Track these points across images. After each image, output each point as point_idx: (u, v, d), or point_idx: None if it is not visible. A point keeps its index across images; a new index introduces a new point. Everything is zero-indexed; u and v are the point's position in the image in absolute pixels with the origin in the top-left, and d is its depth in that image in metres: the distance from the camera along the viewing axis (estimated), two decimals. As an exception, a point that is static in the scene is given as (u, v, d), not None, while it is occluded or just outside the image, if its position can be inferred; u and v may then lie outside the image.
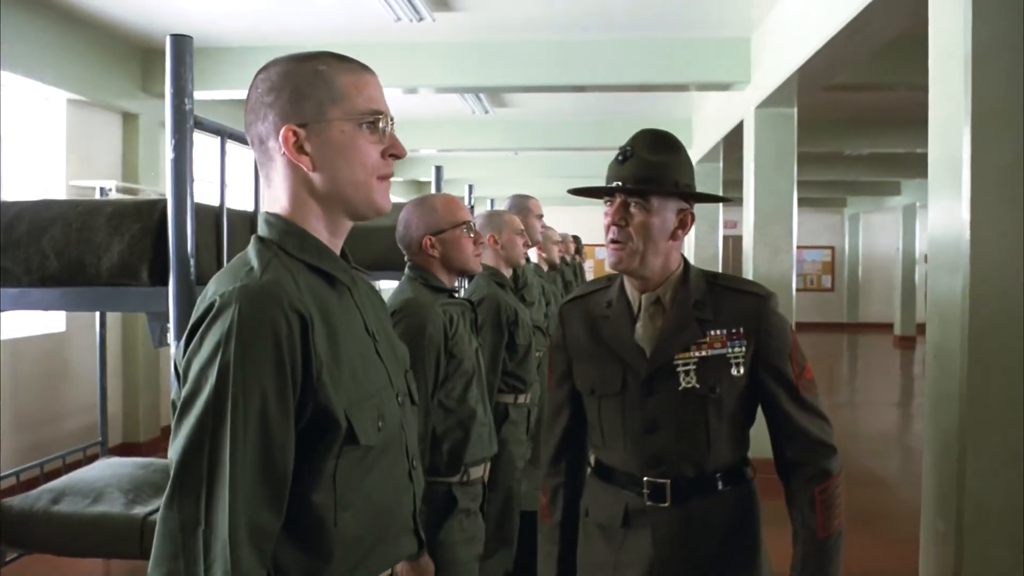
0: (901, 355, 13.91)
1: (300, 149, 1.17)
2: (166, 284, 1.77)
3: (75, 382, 5.86)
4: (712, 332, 1.70)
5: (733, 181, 7.48)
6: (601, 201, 1.77)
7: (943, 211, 2.54)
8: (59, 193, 5.81)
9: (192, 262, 1.72)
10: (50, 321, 5.75)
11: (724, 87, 6.20)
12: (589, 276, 15.25)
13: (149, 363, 6.58)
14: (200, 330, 1.08)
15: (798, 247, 5.82)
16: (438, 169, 3.91)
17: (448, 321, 2.24)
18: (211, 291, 1.11)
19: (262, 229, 1.21)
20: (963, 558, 2.40)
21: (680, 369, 1.69)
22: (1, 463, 4.58)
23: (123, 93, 6.25)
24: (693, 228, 8.02)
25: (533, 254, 4.86)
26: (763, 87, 5.49)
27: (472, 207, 4.63)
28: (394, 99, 6.05)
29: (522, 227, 3.32)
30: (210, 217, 1.87)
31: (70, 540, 2.94)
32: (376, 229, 2.76)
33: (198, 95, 6.50)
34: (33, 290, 1.89)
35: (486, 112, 8.48)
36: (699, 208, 7.33)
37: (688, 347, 1.69)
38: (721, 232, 9.26)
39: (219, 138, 1.93)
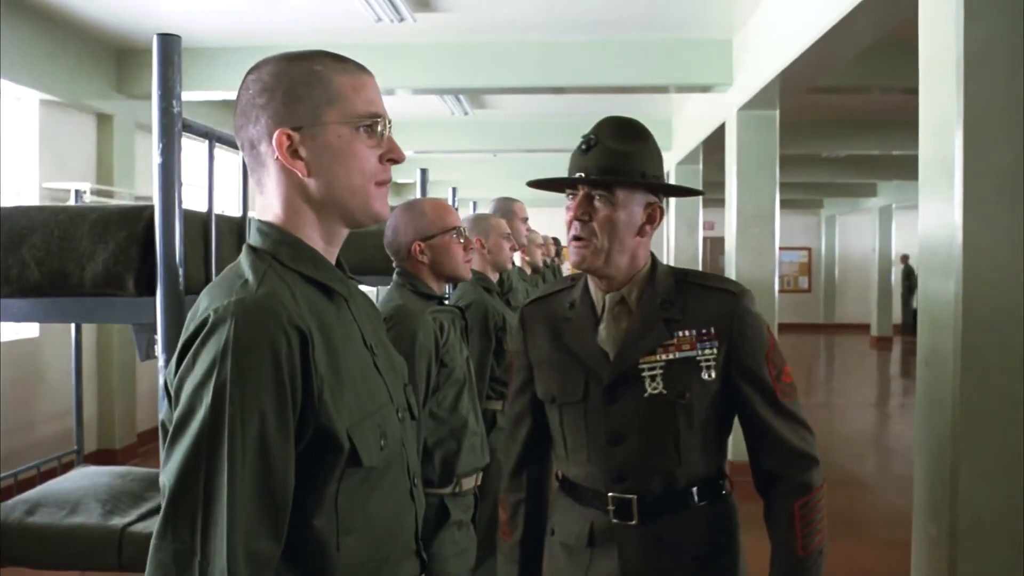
0: (878, 356, 14.02)
1: (294, 154, 1.11)
2: (153, 294, 1.70)
3: (49, 389, 5.74)
4: (680, 333, 1.57)
5: (713, 183, 7.48)
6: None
7: (935, 214, 2.52)
8: (32, 196, 5.69)
9: (181, 271, 1.65)
10: (23, 326, 5.63)
11: (706, 89, 6.19)
12: (567, 278, 15.23)
13: (124, 369, 6.46)
14: (193, 348, 1.01)
15: (775, 248, 5.87)
16: (423, 172, 3.85)
17: (439, 329, 2.19)
18: (203, 306, 1.05)
19: (254, 238, 1.15)
20: (957, 563, 2.38)
21: (646, 374, 1.56)
22: (-27, 473, 4.47)
23: (97, 94, 6.14)
24: (673, 229, 8.02)
25: (516, 257, 4.81)
26: (746, 89, 5.48)
27: (456, 210, 4.57)
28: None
29: (509, 231, 3.28)
30: (197, 224, 1.80)
31: (46, 553, 2.86)
32: (358, 231, 2.70)
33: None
34: (13, 301, 1.80)
35: (465, 113, 8.43)
36: (679, 209, 7.34)
37: (654, 350, 1.57)
38: (701, 233, 9.27)
39: (206, 141, 1.87)
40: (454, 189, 4.77)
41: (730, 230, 5.87)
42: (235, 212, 2.27)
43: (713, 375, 1.56)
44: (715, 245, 14.39)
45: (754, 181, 5.71)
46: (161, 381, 1.61)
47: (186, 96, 6.07)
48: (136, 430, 6.67)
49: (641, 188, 1.57)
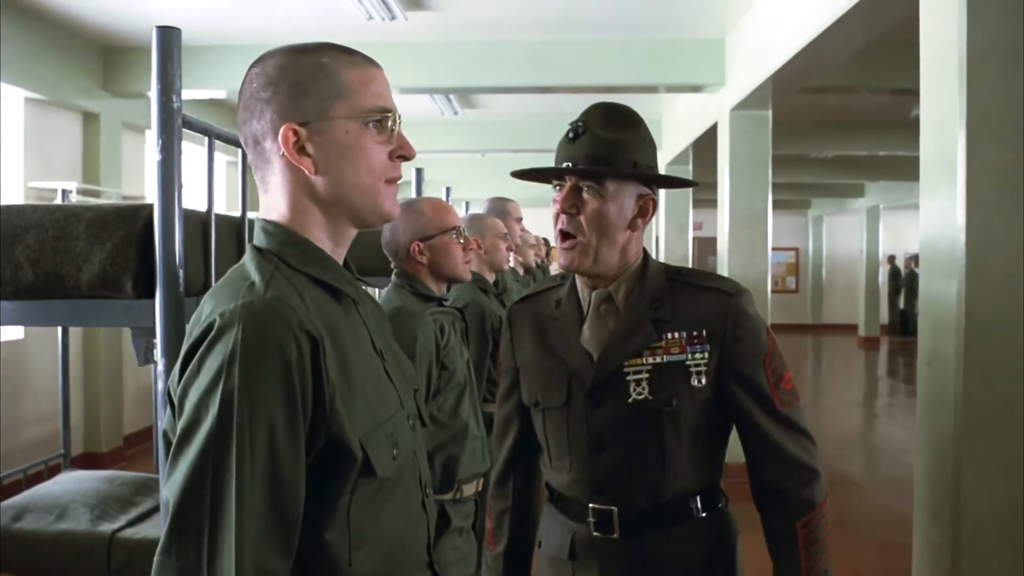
0: (866, 356, 14.06)
1: (301, 150, 1.06)
2: (152, 296, 1.64)
3: (34, 391, 5.65)
4: (669, 335, 1.46)
5: (704, 184, 7.46)
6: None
7: (937, 215, 2.50)
8: (17, 195, 5.61)
9: (181, 273, 1.60)
10: (8, 328, 5.55)
11: (698, 89, 6.17)
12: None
13: (111, 370, 6.38)
14: (198, 354, 0.96)
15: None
16: (419, 171, 3.80)
17: (439, 331, 2.15)
18: (208, 309, 1.00)
19: (259, 239, 1.10)
20: (959, 568, 2.36)
21: (630, 378, 1.45)
22: (-43, 477, 4.39)
23: (83, 92, 6.05)
24: (663, 229, 8.00)
25: (510, 258, 4.78)
26: (739, 89, 5.46)
27: (450, 210, 4.52)
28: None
29: (505, 231, 3.25)
30: (196, 224, 1.74)
31: (33, 559, 2.80)
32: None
33: (161, 94, 6.38)
34: (5, 304, 1.73)
35: (455, 113, 8.39)
36: (669, 209, 7.34)
37: (640, 352, 1.46)
38: (691, 233, 9.26)
39: (206, 138, 1.81)
40: (448, 189, 4.72)
41: (723, 231, 5.85)
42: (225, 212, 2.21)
43: (703, 381, 1.45)
44: (704, 245, 14.40)
45: (747, 181, 5.70)
46: (161, 387, 1.57)
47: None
48: (123, 433, 6.59)
49: (633, 179, 1.47)
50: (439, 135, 9.10)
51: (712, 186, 6.04)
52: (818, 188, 14.66)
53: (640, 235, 1.54)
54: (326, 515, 1.01)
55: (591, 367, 1.48)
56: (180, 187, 1.59)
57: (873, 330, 15.19)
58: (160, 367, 1.57)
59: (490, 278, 3.22)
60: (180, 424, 0.95)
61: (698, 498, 1.50)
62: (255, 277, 1.02)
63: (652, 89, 6.44)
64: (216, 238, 1.82)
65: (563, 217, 1.47)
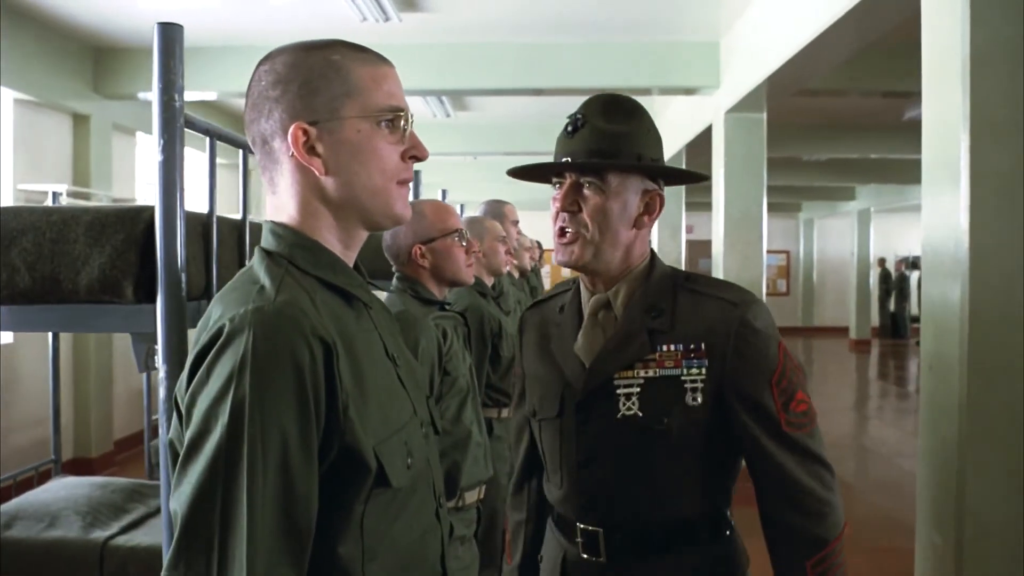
0: (857, 359, 14.09)
1: (311, 150, 1.03)
2: (153, 301, 1.60)
3: (24, 395, 5.59)
4: (664, 347, 1.34)
5: (697, 187, 7.46)
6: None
7: (939, 217, 2.49)
8: (7, 198, 5.55)
9: (183, 277, 1.56)
10: (-4, 331, 5.49)
11: (692, 91, 6.16)
12: (545, 281, 15.22)
13: (101, 374, 6.31)
14: (207, 360, 0.93)
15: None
16: (416, 173, 3.77)
17: (441, 336, 2.12)
18: (217, 314, 0.97)
19: (268, 241, 1.07)
20: (963, 572, 2.34)
21: (621, 391, 1.35)
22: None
23: (73, 93, 6.00)
24: (656, 232, 8.02)
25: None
26: (734, 92, 5.45)
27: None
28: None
29: (504, 233, 3.22)
30: (197, 226, 1.70)
31: (24, 568, 2.76)
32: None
33: (151, 96, 6.33)
34: (1, 309, 1.68)
35: (448, 115, 8.36)
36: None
37: (632, 364, 1.35)
38: (684, 237, 9.26)
39: (207, 139, 1.77)
40: (444, 191, 4.69)
41: (717, 233, 5.84)
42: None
43: (699, 400, 1.33)
44: (695, 248, 14.40)
45: (741, 184, 5.70)
46: (163, 394, 1.53)
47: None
48: (113, 437, 6.52)
49: (637, 173, 1.37)
50: (431, 137, 9.03)
51: (704, 189, 6.04)
52: (809, 191, 14.70)
53: (646, 235, 1.45)
54: (339, 527, 0.98)
55: (583, 377, 1.39)
56: (183, 188, 1.55)
57: (864, 333, 15.25)
58: (162, 374, 1.52)
59: (488, 281, 3.19)
60: (188, 433, 0.92)
61: (697, 525, 1.38)
62: (265, 281, 0.99)
63: (646, 91, 6.43)
64: (217, 241, 1.78)
65: (564, 215, 1.38)
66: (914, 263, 16.65)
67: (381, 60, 1.09)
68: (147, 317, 1.59)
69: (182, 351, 1.56)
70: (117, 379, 6.61)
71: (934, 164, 2.54)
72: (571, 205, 1.37)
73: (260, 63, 1.08)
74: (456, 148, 9.25)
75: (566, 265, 1.40)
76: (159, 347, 1.53)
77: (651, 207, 1.41)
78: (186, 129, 1.60)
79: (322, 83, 1.03)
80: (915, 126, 8.05)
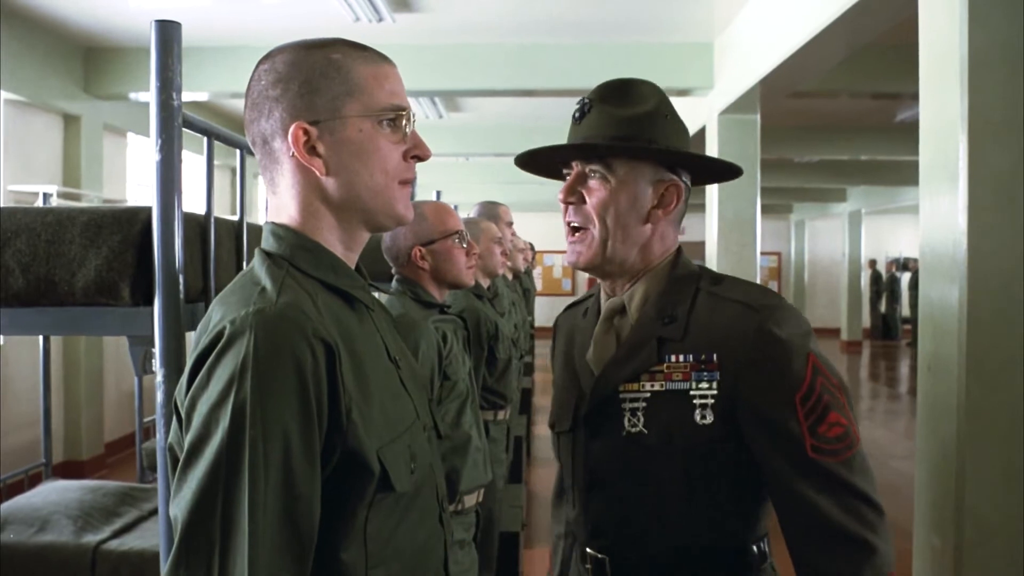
0: (848, 360, 14.12)
1: (312, 150, 1.02)
2: (150, 304, 1.57)
3: (13, 398, 5.54)
4: (672, 357, 1.20)
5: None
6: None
7: (937, 218, 2.48)
8: (-3, 199, 5.51)
9: (181, 279, 1.53)
10: (-15, 333, 5.43)
11: (685, 92, 6.16)
12: (537, 282, 15.22)
13: (91, 376, 6.26)
14: (208, 363, 0.91)
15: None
16: (411, 175, 3.76)
17: (441, 339, 2.10)
18: (217, 317, 0.95)
19: (268, 242, 1.05)
20: (963, 575, 2.34)
21: (626, 406, 1.22)
22: (-66, 487, 4.29)
23: (64, 94, 5.95)
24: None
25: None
26: (728, 93, 5.45)
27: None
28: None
29: (500, 235, 3.20)
30: (194, 227, 1.68)
31: (15, 573, 2.73)
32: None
33: (142, 97, 6.28)
34: None
35: (440, 116, 8.34)
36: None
37: (637, 376, 1.22)
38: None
39: (204, 139, 1.75)
40: (439, 193, 4.68)
41: (711, 235, 5.85)
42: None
43: (710, 418, 1.17)
44: (688, 250, 14.27)
45: (735, 185, 5.69)
46: (160, 399, 1.50)
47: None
48: (104, 440, 6.47)
49: (649, 161, 1.24)
50: (424, 139, 8.99)
51: (697, 190, 6.03)
52: (800, 192, 14.73)
53: (668, 230, 1.30)
54: (342, 532, 0.96)
55: (591, 390, 1.28)
56: (180, 188, 1.52)
57: (855, 334, 15.29)
58: (159, 377, 1.50)
59: (484, 283, 3.18)
60: (189, 437, 0.90)
61: (717, 559, 1.22)
62: (266, 282, 0.98)
63: (640, 93, 6.41)
64: (215, 242, 1.75)
65: (569, 209, 1.27)
66: (905, 264, 16.72)
67: (383, 59, 1.08)
68: (144, 320, 1.56)
69: (180, 354, 1.54)
70: (108, 381, 6.57)
71: (932, 165, 2.54)
72: (573, 195, 1.26)
73: (260, 62, 1.06)
74: (449, 149, 9.24)
75: (573, 266, 1.29)
76: (156, 350, 1.50)
77: (666, 200, 1.26)
78: (183, 129, 1.58)
79: (323, 82, 1.02)
80: (906, 128, 8.10)
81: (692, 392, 1.18)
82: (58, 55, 5.85)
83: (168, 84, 1.49)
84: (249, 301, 0.94)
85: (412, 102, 7.45)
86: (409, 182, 1.09)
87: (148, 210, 1.55)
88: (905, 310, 16.26)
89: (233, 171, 8.74)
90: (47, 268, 1.56)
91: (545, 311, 15.03)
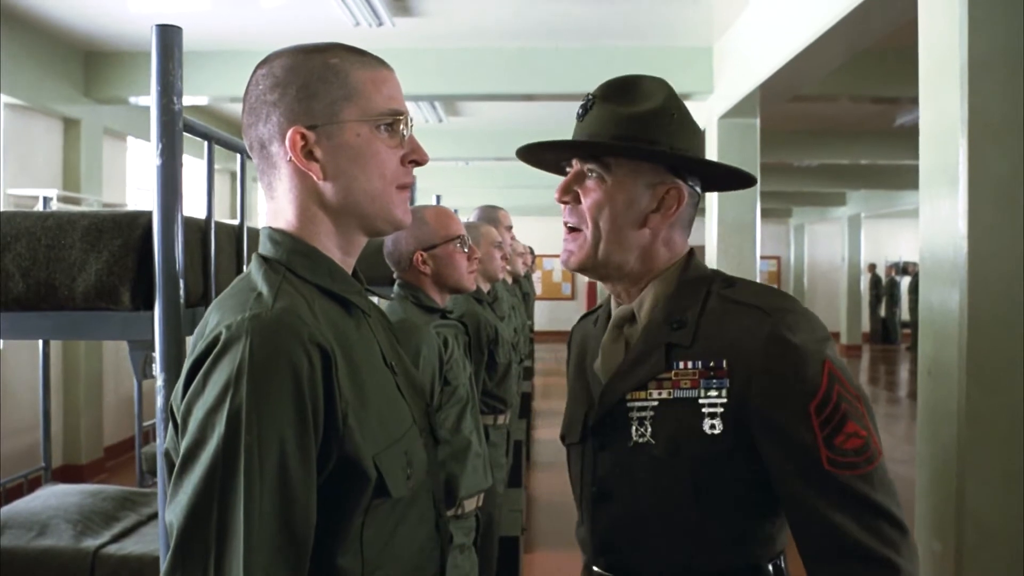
0: (848, 364, 14.08)
1: (309, 155, 1.02)
2: (151, 308, 1.56)
3: (12, 402, 5.53)
4: (681, 364, 1.14)
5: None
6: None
7: (938, 223, 2.48)
8: (-4, 203, 5.51)
9: (181, 283, 1.53)
10: (-16, 337, 5.42)
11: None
12: (537, 287, 15.22)
13: (90, 380, 6.26)
14: (204, 368, 0.91)
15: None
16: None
17: (443, 344, 2.09)
18: (214, 321, 0.95)
19: (265, 247, 1.05)
20: (963, 580, 2.34)
21: (634, 415, 1.17)
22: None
23: (64, 97, 5.95)
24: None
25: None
26: (727, 97, 5.46)
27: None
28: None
29: (500, 239, 3.20)
30: (195, 232, 1.68)
31: (13, 578, 2.72)
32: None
33: (142, 101, 6.29)
34: None
35: (440, 121, 8.35)
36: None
37: (645, 384, 1.16)
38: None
39: (205, 143, 1.75)
40: (439, 197, 4.68)
41: (711, 239, 5.85)
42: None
43: (719, 428, 1.11)
44: (688, 254, 14.40)
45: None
46: (160, 404, 1.50)
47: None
48: (103, 444, 6.47)
49: (650, 162, 1.18)
50: (424, 143, 8.87)
51: (699, 194, 6.04)
52: (799, 197, 14.74)
53: (674, 236, 1.24)
54: (338, 538, 0.96)
55: (598, 399, 1.23)
56: (181, 193, 1.52)
57: (855, 338, 15.29)
58: (159, 382, 1.50)
59: (484, 287, 3.18)
60: (184, 443, 0.90)
61: None
62: (262, 288, 0.97)
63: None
64: (215, 247, 1.75)
65: (565, 209, 1.22)
66: (904, 268, 16.72)
67: (380, 63, 1.08)
68: (144, 324, 1.56)
69: (180, 359, 1.54)
70: (107, 385, 6.56)
71: (932, 169, 2.54)
72: (568, 196, 1.22)
73: (258, 66, 1.06)
74: (449, 154, 9.25)
75: (565, 267, 1.25)
76: (156, 354, 1.50)
77: (667, 204, 1.19)
78: (183, 133, 1.58)
79: (321, 87, 1.02)
80: (906, 132, 8.10)
81: (701, 400, 1.13)
82: (58, 59, 5.85)
83: (169, 88, 1.49)
84: (245, 306, 0.94)
85: (412, 106, 7.48)
86: (407, 186, 1.09)
87: (148, 214, 1.55)
88: (905, 314, 16.26)
89: (233, 175, 8.74)
90: (47, 272, 1.55)
91: (545, 315, 15.03)
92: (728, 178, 1.31)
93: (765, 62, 4.59)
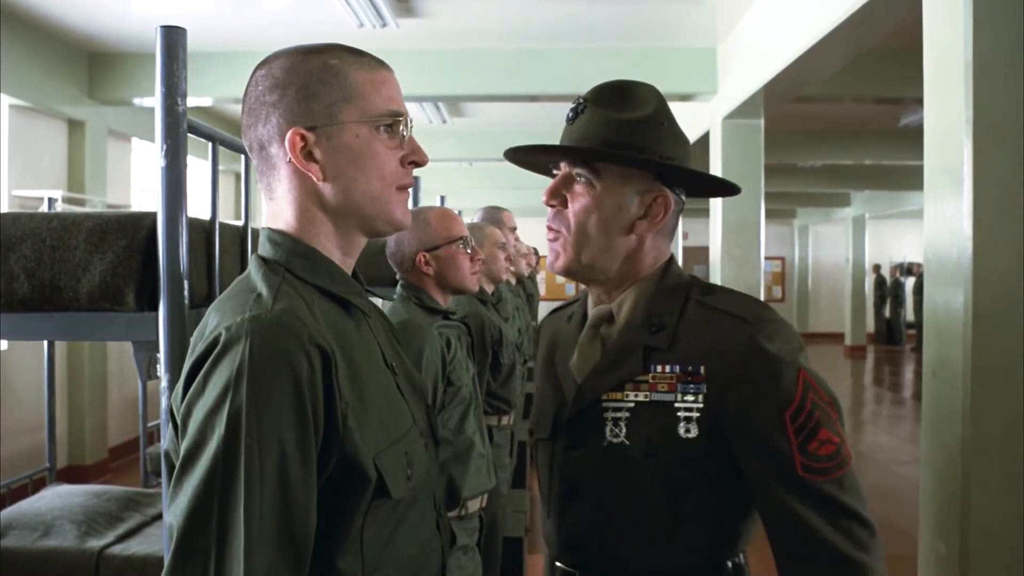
0: (852, 365, 14.09)
1: (308, 156, 1.02)
2: (155, 309, 1.57)
3: (17, 402, 5.54)
4: (659, 367, 1.16)
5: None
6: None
7: (942, 223, 2.48)
8: (2, 204, 5.52)
9: (186, 284, 1.53)
10: (-10, 338, 5.43)
11: (688, 97, 6.16)
12: (541, 287, 15.22)
13: (95, 380, 6.27)
14: (203, 370, 0.91)
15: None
16: (415, 180, 3.76)
17: (445, 345, 2.09)
18: (213, 323, 0.95)
19: (264, 248, 1.05)
20: (968, 581, 2.33)
21: (609, 415, 1.18)
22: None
23: (68, 99, 5.97)
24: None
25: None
26: (731, 98, 5.45)
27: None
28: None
29: (504, 240, 3.20)
30: (199, 232, 1.68)
31: (18, 578, 2.73)
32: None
33: (147, 102, 6.30)
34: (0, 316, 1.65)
35: (444, 122, 8.35)
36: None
37: (621, 385, 1.18)
38: (680, 243, 9.25)
39: (209, 144, 1.75)
40: (442, 198, 4.68)
41: (715, 240, 5.84)
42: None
43: (695, 432, 1.13)
44: (691, 255, 14.40)
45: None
46: (164, 405, 1.50)
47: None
48: (108, 445, 6.48)
49: (638, 169, 1.19)
50: (427, 144, 8.86)
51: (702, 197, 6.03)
52: (804, 197, 14.72)
53: (657, 242, 1.25)
54: (338, 539, 0.96)
55: (573, 397, 1.24)
56: (186, 194, 1.53)
57: (859, 339, 15.25)
58: (164, 382, 1.50)
59: (488, 288, 3.18)
60: (184, 444, 0.90)
61: None
62: (262, 289, 0.97)
63: (643, 98, 6.41)
64: (219, 247, 1.76)
65: (550, 213, 1.23)
66: (909, 269, 16.69)
67: (380, 64, 1.08)
68: (149, 325, 1.56)
69: (184, 360, 1.54)
70: (111, 386, 6.58)
71: (936, 170, 2.53)
72: (556, 200, 1.22)
73: (257, 67, 1.06)
74: (452, 154, 9.25)
75: (551, 270, 1.25)
76: (161, 355, 1.50)
77: (654, 211, 1.21)
78: (187, 134, 1.58)
79: (320, 88, 1.02)
80: (910, 132, 8.09)
81: (677, 404, 1.15)
82: (62, 60, 5.86)
83: (173, 89, 1.49)
84: (245, 307, 0.94)
85: (415, 107, 7.48)
86: (407, 188, 1.09)
87: (153, 215, 1.55)
88: (909, 315, 16.23)
89: (237, 176, 8.76)
90: (52, 273, 1.56)
91: (549, 316, 14.96)
92: (713, 187, 1.35)
93: (769, 63, 4.58)
